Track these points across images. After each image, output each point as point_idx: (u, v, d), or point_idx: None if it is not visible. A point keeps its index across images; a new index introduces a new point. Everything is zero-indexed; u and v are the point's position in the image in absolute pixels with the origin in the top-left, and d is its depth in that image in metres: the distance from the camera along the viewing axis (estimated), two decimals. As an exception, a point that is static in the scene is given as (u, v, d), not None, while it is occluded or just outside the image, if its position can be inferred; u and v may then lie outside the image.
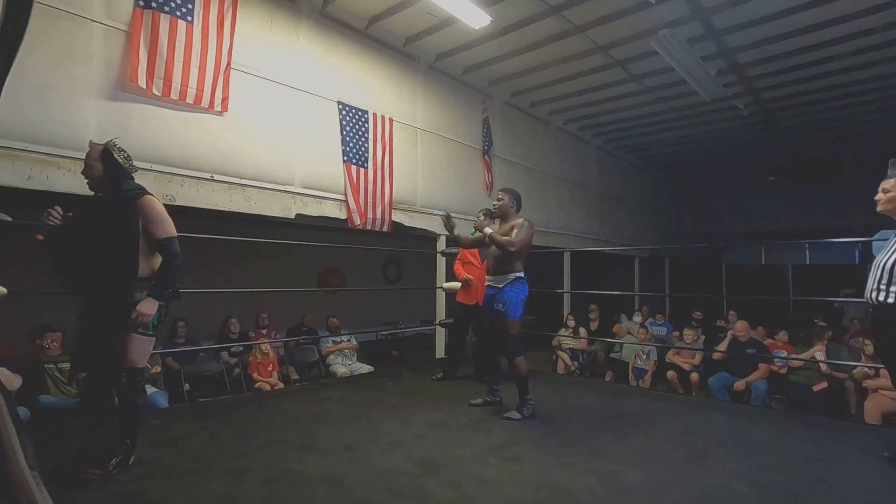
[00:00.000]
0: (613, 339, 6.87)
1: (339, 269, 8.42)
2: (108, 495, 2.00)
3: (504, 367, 3.43)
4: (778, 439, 2.85)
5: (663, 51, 5.23)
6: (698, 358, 5.79)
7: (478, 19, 4.71)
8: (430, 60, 5.98)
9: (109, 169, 2.25)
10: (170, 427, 2.89)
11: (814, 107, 7.62)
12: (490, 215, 3.89)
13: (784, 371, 5.15)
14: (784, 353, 5.33)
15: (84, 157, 2.29)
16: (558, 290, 7.63)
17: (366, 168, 5.11)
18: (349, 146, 4.98)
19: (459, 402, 3.54)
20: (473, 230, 3.45)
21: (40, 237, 2.17)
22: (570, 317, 7.07)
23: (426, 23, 5.22)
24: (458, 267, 4.30)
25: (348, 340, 6.10)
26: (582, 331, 6.93)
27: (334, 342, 6.03)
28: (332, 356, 5.92)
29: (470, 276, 4.19)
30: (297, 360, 5.96)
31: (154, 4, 3.68)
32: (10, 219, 2.79)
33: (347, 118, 5.00)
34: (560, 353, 6.74)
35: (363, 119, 5.14)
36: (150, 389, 4.41)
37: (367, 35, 5.30)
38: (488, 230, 3.28)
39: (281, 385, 5.26)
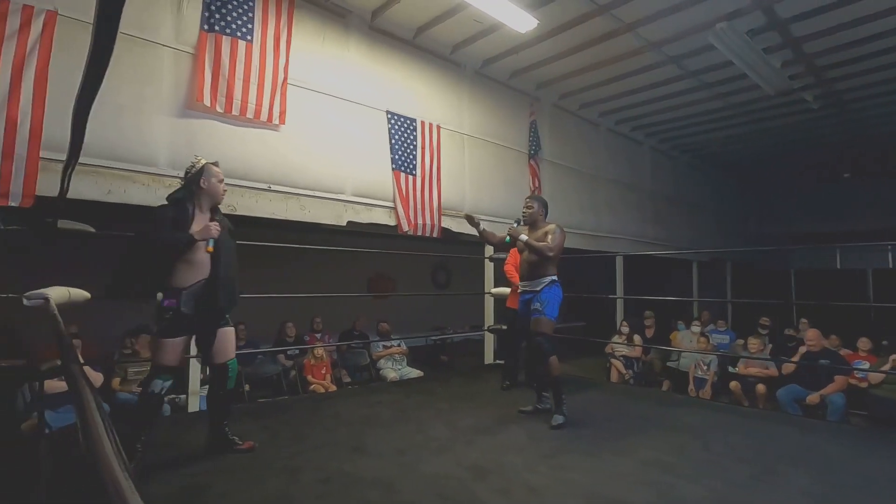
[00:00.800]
0: (671, 348, 6.58)
1: (389, 274, 8.58)
2: (175, 489, 2.13)
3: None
4: (859, 457, 2.62)
5: (721, 45, 4.99)
6: (774, 369, 5.42)
7: (524, 23, 4.69)
8: (476, 66, 6.01)
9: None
10: (231, 425, 3.05)
11: (894, 96, 7.00)
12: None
13: (865, 384, 4.73)
14: (866, 365, 4.90)
15: (219, 173, 2.65)
16: (610, 296, 7.40)
17: (414, 175, 5.19)
18: (397, 154, 5.08)
19: (509, 408, 3.51)
20: (508, 237, 3.48)
21: (210, 249, 2.46)
22: (624, 323, 6.84)
23: (472, 29, 5.25)
24: (511, 271, 4.22)
25: (398, 345, 6.20)
26: (636, 338, 6.68)
27: (385, 347, 6.14)
28: (382, 360, 6.04)
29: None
30: (350, 364, 6.12)
31: (217, 28, 3.93)
32: (93, 230, 3.04)
33: (396, 127, 5.11)
34: (613, 360, 6.54)
35: (411, 127, 5.23)
36: (213, 389, 4.68)
37: (415, 45, 5.40)
38: (524, 237, 3.36)
39: (334, 388, 5.42)
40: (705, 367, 5.95)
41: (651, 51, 5.59)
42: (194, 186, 2.56)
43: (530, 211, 3.49)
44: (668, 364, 6.55)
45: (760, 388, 5.31)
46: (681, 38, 5.31)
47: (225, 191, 2.67)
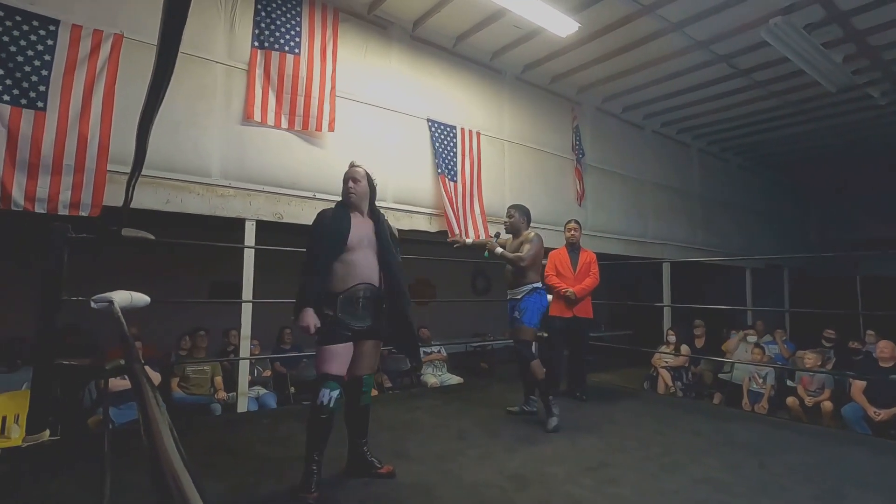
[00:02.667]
0: (723, 359, 6.26)
1: (429, 280, 8.63)
2: (225, 486, 2.21)
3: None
4: (938, 483, 2.40)
5: (776, 41, 4.75)
6: (828, 393, 5.07)
7: (565, 27, 4.64)
8: (516, 72, 5.99)
9: (371, 188, 2.52)
10: (278, 426, 3.15)
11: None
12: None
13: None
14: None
15: (352, 173, 2.51)
16: (657, 304, 7.15)
17: (455, 182, 5.22)
18: (441, 160, 5.12)
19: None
20: (487, 252, 3.55)
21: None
22: (671, 332, 6.57)
23: (512, 35, 5.25)
24: (555, 280, 4.14)
25: (438, 351, 6.22)
26: (684, 348, 6.40)
27: (425, 353, 6.17)
28: (423, 366, 6.06)
29: (571, 290, 4.04)
30: (391, 369, 6.18)
31: (266, 44, 4.12)
32: (153, 237, 3.23)
33: (437, 134, 5.16)
34: (660, 371, 6.29)
35: (451, 134, 5.27)
36: (260, 391, 4.85)
37: (455, 53, 5.45)
38: (499, 250, 3.47)
39: (375, 392, 5.48)
40: (761, 380, 5.63)
41: (699, 50, 5.40)
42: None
43: (511, 220, 3.60)
44: (721, 376, 6.24)
45: (827, 405, 4.96)
46: (731, 36, 5.10)
47: (352, 191, 2.46)
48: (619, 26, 4.95)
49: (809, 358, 5.34)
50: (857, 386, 4.67)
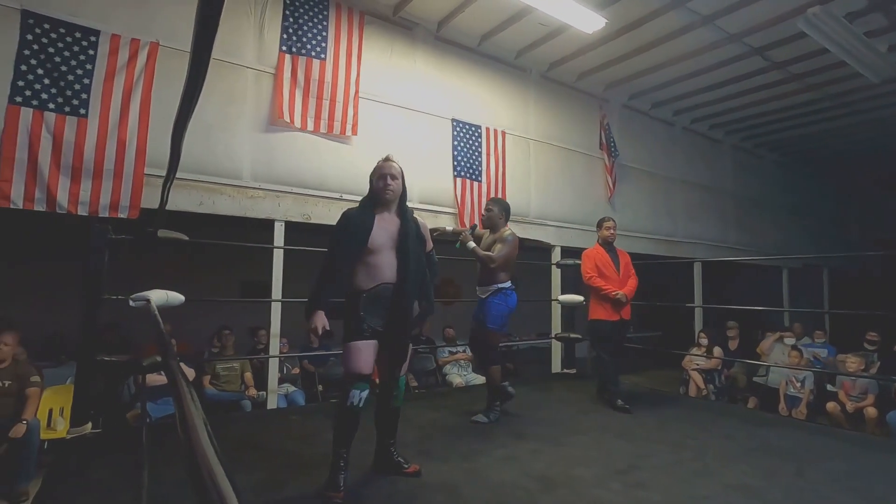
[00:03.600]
0: (759, 362, 6.06)
1: (453, 280, 8.64)
2: (254, 480, 2.27)
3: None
4: None
5: (814, 31, 4.57)
6: (871, 399, 4.84)
7: (592, 23, 4.57)
8: (542, 70, 5.94)
9: (404, 186, 2.49)
10: (306, 423, 3.20)
11: None
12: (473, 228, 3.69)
13: None
14: None
15: (389, 169, 2.42)
16: (688, 305, 6.97)
17: (479, 182, 5.21)
18: (460, 161, 5.12)
19: (576, 419, 3.40)
20: (459, 243, 3.39)
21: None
22: (703, 334, 6.40)
23: (538, 33, 5.20)
24: (600, 282, 3.83)
25: (463, 351, 6.22)
26: (717, 350, 6.22)
27: (450, 352, 6.18)
28: (448, 366, 6.08)
29: (622, 293, 3.77)
30: (416, 368, 6.21)
31: (294, 49, 4.20)
32: (186, 237, 3.34)
33: (461, 134, 5.16)
34: (692, 373, 6.13)
35: (476, 134, 5.26)
36: (289, 388, 4.95)
37: (479, 52, 5.44)
38: (471, 244, 3.34)
39: (401, 392, 5.52)
40: (798, 384, 5.42)
41: (732, 43, 5.24)
42: (370, 185, 2.41)
43: (490, 214, 3.45)
44: (755, 379, 6.04)
45: (871, 411, 4.75)
46: (766, 28, 4.93)
47: (390, 188, 2.38)
48: (648, 21, 4.85)
49: (852, 361, 5.11)
50: (904, 391, 4.45)
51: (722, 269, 9.01)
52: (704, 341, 6.28)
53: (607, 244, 4.01)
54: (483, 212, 3.55)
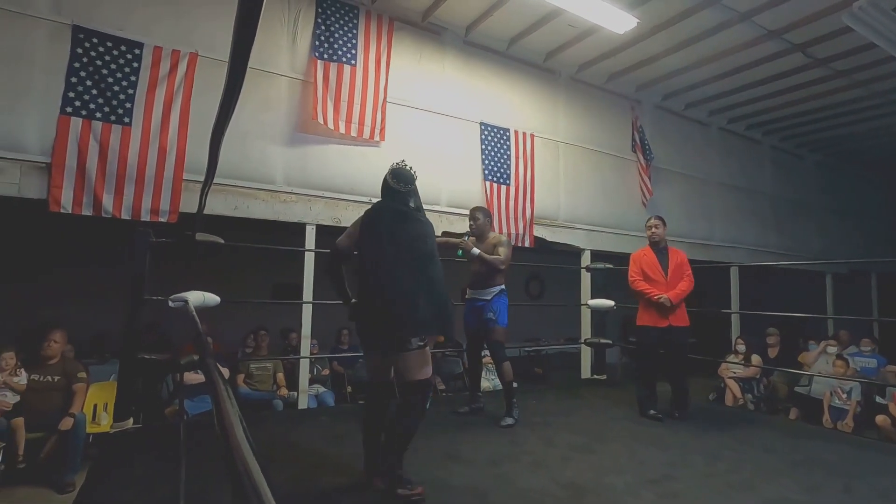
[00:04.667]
0: (801, 371, 5.80)
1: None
2: (287, 477, 2.31)
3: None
4: None
5: (861, 26, 4.35)
6: None
7: (623, 23, 4.50)
8: (571, 72, 5.88)
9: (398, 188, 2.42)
10: (336, 424, 3.25)
11: None
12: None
13: None
14: None
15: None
16: (724, 311, 6.74)
17: (508, 185, 5.19)
18: (489, 165, 5.12)
19: (607, 426, 3.33)
20: (460, 251, 3.50)
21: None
22: (740, 341, 6.17)
23: (567, 35, 5.16)
24: (644, 286, 3.63)
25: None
26: (755, 358, 5.99)
27: (468, 359, 6.15)
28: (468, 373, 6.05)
29: (665, 296, 3.53)
30: (444, 372, 6.22)
31: (325, 56, 4.30)
32: (222, 241, 3.45)
33: (489, 138, 5.16)
34: (728, 381, 5.92)
35: (505, 137, 5.25)
36: (319, 389, 5.03)
37: (508, 55, 5.43)
38: (476, 251, 3.44)
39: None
40: (844, 396, 5.15)
41: (771, 40, 5.06)
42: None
43: (478, 223, 3.57)
44: (797, 389, 5.78)
45: (921, 424, 4.48)
46: (808, 24, 4.75)
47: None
48: (681, 20, 4.74)
49: (903, 372, 4.83)
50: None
51: (761, 274, 8.68)
52: (742, 348, 6.05)
53: (655, 245, 3.73)
54: (471, 221, 3.63)
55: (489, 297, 3.49)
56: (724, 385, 5.96)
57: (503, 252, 3.45)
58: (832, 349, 5.98)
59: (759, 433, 3.33)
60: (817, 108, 6.90)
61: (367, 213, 2.37)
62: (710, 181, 7.15)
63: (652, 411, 3.56)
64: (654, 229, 3.72)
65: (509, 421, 3.32)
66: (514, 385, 3.50)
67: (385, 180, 2.41)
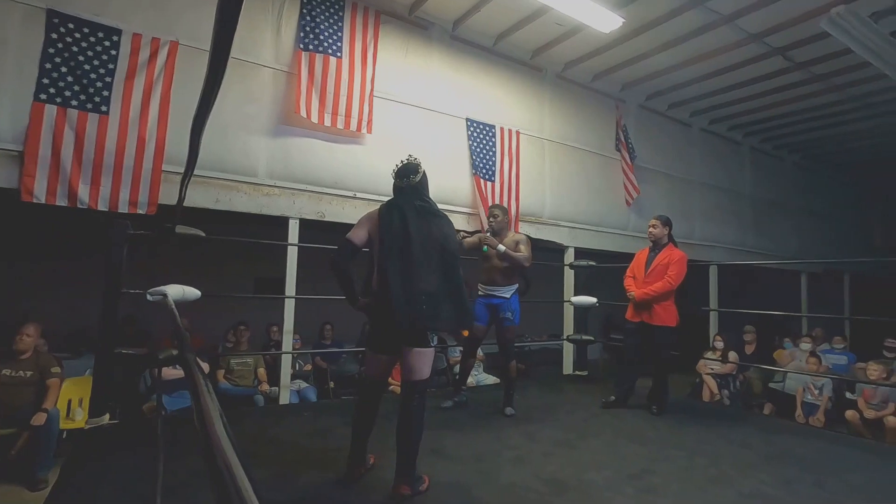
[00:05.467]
0: (776, 368, 5.95)
1: (466, 280, 8.62)
2: (268, 473, 2.29)
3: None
4: None
5: (838, 31, 4.46)
6: (892, 408, 4.71)
7: (608, 23, 4.53)
8: (557, 70, 5.90)
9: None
10: (318, 419, 3.23)
11: None
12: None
13: None
14: None
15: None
16: (703, 308, 6.86)
17: (493, 181, 5.20)
18: (477, 160, 5.12)
19: (588, 422, 3.37)
20: (485, 247, 3.51)
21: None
22: (718, 338, 6.30)
23: (554, 33, 5.17)
24: (627, 282, 3.83)
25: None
26: (732, 355, 6.12)
27: (461, 352, 6.17)
28: (459, 365, 6.07)
29: (631, 293, 3.71)
30: (427, 367, 6.21)
31: (311, 47, 4.23)
32: (203, 234, 3.38)
33: (475, 134, 5.15)
34: (706, 378, 6.04)
35: (490, 134, 5.25)
36: (301, 384, 4.99)
37: (495, 52, 5.42)
38: (502, 248, 3.45)
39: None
40: (816, 392, 5.31)
41: (752, 43, 5.15)
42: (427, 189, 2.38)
43: (497, 220, 3.58)
44: (771, 385, 5.93)
45: (892, 420, 4.63)
46: (788, 27, 4.84)
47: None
48: (666, 20, 4.79)
49: (873, 369, 4.98)
50: (927, 401, 4.33)
51: (739, 272, 8.86)
52: (720, 345, 6.18)
53: (652, 244, 3.82)
54: (489, 218, 3.64)
55: (508, 296, 3.54)
56: (700, 381, 6.08)
57: (525, 250, 3.46)
58: (804, 346, 6.15)
59: (735, 428, 3.41)
60: (796, 111, 7.05)
61: (384, 208, 2.31)
62: (692, 181, 7.27)
63: (612, 398, 3.79)
64: (651, 229, 3.82)
65: (512, 411, 3.52)
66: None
67: (395, 184, 2.37)
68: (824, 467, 2.66)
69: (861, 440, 3.99)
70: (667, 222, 3.77)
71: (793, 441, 3.15)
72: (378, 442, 2.43)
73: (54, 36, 3.31)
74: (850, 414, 4.93)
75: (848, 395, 5.31)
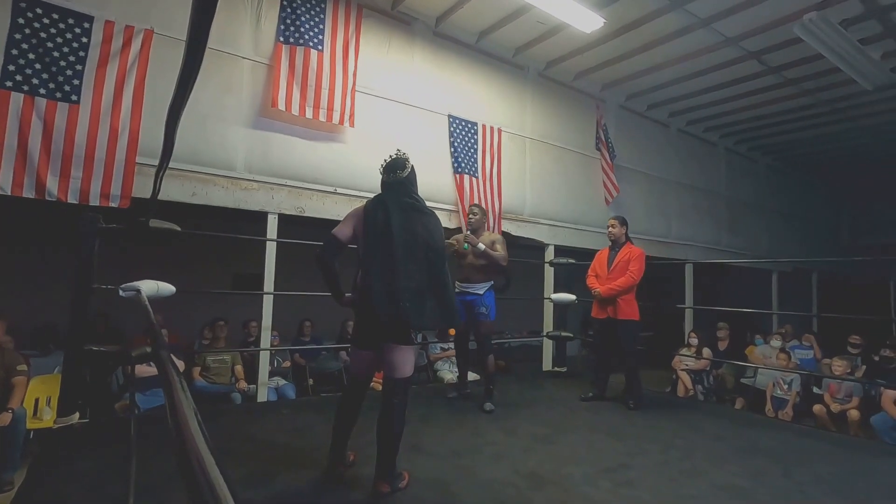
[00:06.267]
0: (748, 363, 6.12)
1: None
2: (245, 472, 2.26)
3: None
4: (974, 499, 2.31)
5: (810, 37, 4.60)
6: (855, 402, 4.91)
7: (590, 23, 4.57)
8: (539, 69, 5.94)
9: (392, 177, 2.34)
10: (297, 417, 3.19)
11: None
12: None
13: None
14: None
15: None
16: (679, 306, 7.02)
17: (476, 178, 5.21)
18: (458, 157, 5.12)
19: (567, 417, 3.42)
20: (466, 244, 3.64)
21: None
22: (693, 334, 6.45)
23: (536, 31, 5.20)
24: (591, 281, 4.01)
25: (454, 348, 6.22)
26: (706, 351, 6.27)
27: (442, 349, 6.18)
28: (439, 362, 6.08)
29: (597, 290, 3.87)
30: (407, 364, 6.20)
31: (291, 39, 4.16)
32: (178, 228, 3.30)
33: (457, 131, 5.15)
34: (680, 373, 6.18)
35: (472, 131, 5.25)
36: (280, 382, 4.93)
37: (477, 49, 5.42)
38: (482, 246, 3.57)
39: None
40: (785, 387, 5.48)
41: (728, 46, 5.27)
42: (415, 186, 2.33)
43: (476, 218, 3.70)
44: (743, 381, 6.10)
45: (854, 414, 4.81)
46: (763, 32, 4.96)
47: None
48: (646, 22, 4.86)
49: (838, 365, 5.17)
50: (889, 395, 4.52)
51: (714, 271, 9.07)
52: (694, 342, 6.33)
53: (612, 243, 3.99)
54: (469, 216, 3.76)
55: (482, 292, 3.62)
56: (675, 377, 6.22)
57: (501, 249, 3.59)
58: (774, 343, 6.35)
59: (708, 422, 3.49)
60: (769, 114, 7.24)
61: (370, 204, 2.28)
62: (669, 181, 7.41)
63: (591, 394, 3.92)
64: (609, 228, 4.00)
65: (491, 407, 3.52)
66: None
67: (382, 180, 2.32)
68: (792, 459, 2.76)
69: (827, 433, 4.15)
70: (624, 222, 3.98)
71: (763, 434, 3.25)
72: (358, 437, 2.42)
73: (21, 21, 3.18)
74: (817, 408, 5.11)
75: (815, 389, 5.50)
